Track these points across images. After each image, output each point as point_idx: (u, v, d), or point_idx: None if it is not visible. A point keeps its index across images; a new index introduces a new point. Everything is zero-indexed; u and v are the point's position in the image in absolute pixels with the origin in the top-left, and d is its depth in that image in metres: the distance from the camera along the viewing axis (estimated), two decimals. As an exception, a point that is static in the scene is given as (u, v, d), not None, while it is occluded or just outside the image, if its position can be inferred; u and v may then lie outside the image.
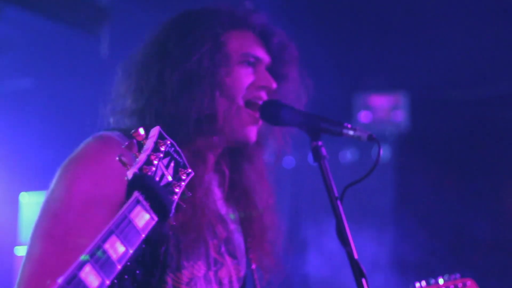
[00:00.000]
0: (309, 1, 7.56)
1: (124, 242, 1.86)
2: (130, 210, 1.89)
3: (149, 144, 1.97)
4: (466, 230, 7.73)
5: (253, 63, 3.01)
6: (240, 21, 3.04)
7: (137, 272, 2.76)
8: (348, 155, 8.56)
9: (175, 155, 2.04)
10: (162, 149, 1.99)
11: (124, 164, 1.91)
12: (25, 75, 7.96)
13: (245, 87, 2.96)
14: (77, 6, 6.76)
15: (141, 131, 1.98)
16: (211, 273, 2.92)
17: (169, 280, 2.79)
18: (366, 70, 8.34)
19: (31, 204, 7.56)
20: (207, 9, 3.04)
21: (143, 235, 1.90)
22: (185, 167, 2.05)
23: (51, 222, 2.63)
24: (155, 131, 2.00)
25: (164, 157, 1.99)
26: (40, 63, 7.63)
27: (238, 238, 3.09)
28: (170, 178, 1.99)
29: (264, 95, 3.01)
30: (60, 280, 1.72)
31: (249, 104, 2.98)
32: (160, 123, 2.80)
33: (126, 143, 1.92)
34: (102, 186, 2.66)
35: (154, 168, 1.94)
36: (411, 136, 8.39)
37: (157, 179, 1.94)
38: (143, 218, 1.91)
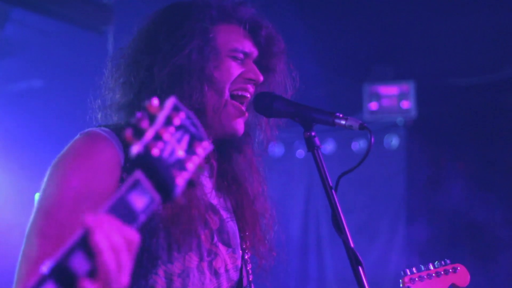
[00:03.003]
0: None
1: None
2: (128, 191, 1.80)
3: (160, 117, 1.83)
4: (475, 215, 7.73)
5: (242, 57, 3.03)
6: (229, 15, 3.05)
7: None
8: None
9: (190, 128, 1.89)
10: (176, 122, 1.86)
11: (131, 140, 1.80)
12: (35, 76, 8.02)
13: (232, 80, 2.99)
14: (83, 6, 6.79)
15: (155, 101, 1.85)
16: (204, 264, 2.93)
17: (161, 272, 2.80)
18: (374, 61, 8.35)
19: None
20: (196, 2, 3.05)
21: (143, 217, 1.82)
22: (201, 140, 1.90)
23: (44, 220, 2.65)
24: (169, 102, 1.87)
25: (177, 131, 1.86)
26: (49, 64, 7.69)
27: (232, 227, 3.11)
28: (181, 153, 1.86)
29: (250, 88, 3.04)
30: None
31: (234, 96, 3.00)
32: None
33: (139, 114, 1.83)
34: (92, 182, 2.69)
35: (162, 144, 1.82)
36: (419, 123, 8.40)
37: (166, 155, 1.82)
38: (142, 200, 1.81)
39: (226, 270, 3.03)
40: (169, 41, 2.93)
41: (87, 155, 2.75)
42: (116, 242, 1.77)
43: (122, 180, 2.73)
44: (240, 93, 3.01)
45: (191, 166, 1.88)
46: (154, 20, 3.04)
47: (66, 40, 7.39)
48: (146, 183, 1.82)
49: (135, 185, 1.81)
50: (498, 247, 7.42)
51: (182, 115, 1.88)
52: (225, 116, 2.97)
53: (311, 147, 2.94)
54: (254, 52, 3.08)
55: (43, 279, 1.70)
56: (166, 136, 1.83)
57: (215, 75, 2.95)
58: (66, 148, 2.80)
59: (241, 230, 3.16)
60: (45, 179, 2.75)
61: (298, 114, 2.98)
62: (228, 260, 3.04)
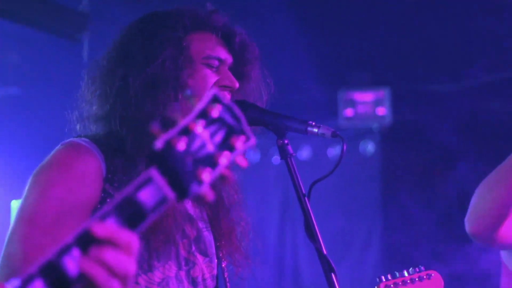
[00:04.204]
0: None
1: (124, 224, 1.71)
2: (138, 188, 1.71)
3: (194, 111, 1.75)
4: (451, 221, 7.78)
5: (216, 65, 3.04)
6: (202, 23, 3.06)
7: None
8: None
9: (229, 121, 1.78)
10: (213, 114, 1.75)
11: (157, 133, 1.72)
12: (11, 83, 7.99)
13: (208, 88, 2.99)
14: (58, 13, 6.78)
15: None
16: (182, 273, 2.95)
17: (141, 281, 2.83)
18: (349, 67, 8.40)
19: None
20: (169, 12, 3.06)
21: (153, 216, 1.72)
22: (240, 133, 1.78)
23: (27, 227, 2.66)
24: (209, 94, 1.78)
25: (211, 124, 1.75)
26: (25, 71, 7.66)
27: (208, 236, 3.12)
28: (211, 148, 1.74)
29: (227, 95, 3.05)
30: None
31: None
32: (125, 128, 2.86)
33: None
34: (75, 192, 2.71)
35: (187, 139, 1.72)
36: (395, 129, 8.46)
37: (193, 149, 1.72)
38: (153, 197, 1.71)
39: (203, 279, 3.05)
40: (143, 51, 2.94)
41: (70, 165, 2.77)
42: (109, 257, 1.70)
43: (104, 190, 2.76)
44: None
45: (224, 160, 1.76)
46: (129, 31, 3.05)
47: (42, 48, 7.37)
48: (159, 180, 1.72)
49: (146, 182, 1.72)
50: (473, 254, 7.47)
51: (219, 107, 1.78)
52: None
53: (284, 155, 2.98)
54: (229, 58, 3.09)
55: (31, 277, 1.67)
56: (197, 129, 1.74)
57: (190, 83, 2.95)
58: (48, 158, 2.82)
59: (216, 239, 3.17)
60: (27, 187, 2.75)
61: (271, 122, 3.01)
62: (205, 269, 3.06)
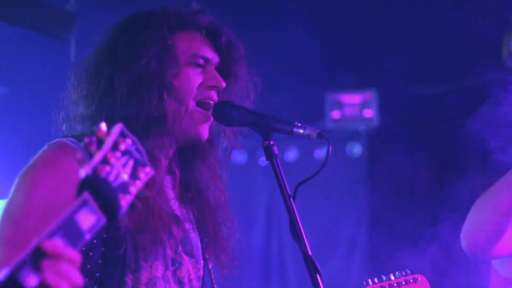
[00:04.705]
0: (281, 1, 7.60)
1: (67, 243, 1.86)
2: (76, 210, 1.89)
3: (108, 142, 1.93)
4: (439, 224, 7.79)
5: (202, 63, 3.04)
6: (187, 22, 3.06)
7: (97, 274, 2.79)
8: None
9: (135, 154, 2.00)
10: (122, 147, 1.96)
11: (80, 163, 1.90)
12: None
13: (195, 88, 2.99)
14: (44, 12, 6.75)
15: (103, 127, 1.95)
16: (169, 273, 2.95)
17: (128, 281, 2.83)
18: (336, 69, 8.40)
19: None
20: (154, 11, 3.06)
21: (88, 236, 1.90)
22: (144, 166, 2.02)
23: (11, 228, 2.67)
24: (116, 128, 1.97)
25: (122, 156, 1.96)
26: (11, 71, 7.63)
27: (195, 237, 3.12)
28: (126, 177, 1.96)
29: (214, 95, 3.04)
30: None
31: (200, 104, 3.01)
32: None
33: (87, 139, 1.91)
34: (61, 192, 2.69)
35: (109, 168, 1.92)
36: (382, 131, 8.47)
37: (112, 178, 1.93)
38: (89, 219, 1.90)
39: (189, 280, 3.05)
40: (128, 51, 2.94)
41: (55, 165, 2.77)
42: (61, 267, 1.84)
43: None
44: (205, 100, 3.02)
45: (133, 190, 1.99)
46: (114, 31, 3.05)
47: (28, 47, 7.34)
48: (93, 203, 1.91)
49: (83, 205, 1.89)
50: (460, 257, 7.48)
51: (128, 141, 1.99)
52: (188, 123, 2.98)
53: (270, 156, 2.97)
54: (215, 58, 3.09)
55: None
56: (113, 160, 1.93)
57: (175, 83, 2.95)
58: (34, 158, 2.82)
59: (202, 240, 3.17)
60: (13, 188, 2.76)
61: (257, 123, 3.00)
62: (191, 270, 3.06)
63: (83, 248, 2.53)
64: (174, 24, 3.02)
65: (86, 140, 1.92)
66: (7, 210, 2.72)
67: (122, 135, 1.98)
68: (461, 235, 3.96)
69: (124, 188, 1.96)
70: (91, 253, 2.77)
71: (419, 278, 3.59)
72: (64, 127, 3.04)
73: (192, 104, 2.98)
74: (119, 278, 2.81)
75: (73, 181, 2.69)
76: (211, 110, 3.04)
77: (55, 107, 3.08)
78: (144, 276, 2.87)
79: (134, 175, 1.99)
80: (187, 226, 3.10)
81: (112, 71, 2.93)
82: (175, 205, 3.08)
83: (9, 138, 7.68)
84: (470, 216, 3.96)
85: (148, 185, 2.75)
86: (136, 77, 2.90)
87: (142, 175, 2.01)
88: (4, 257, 2.60)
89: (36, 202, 2.69)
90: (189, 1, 3.15)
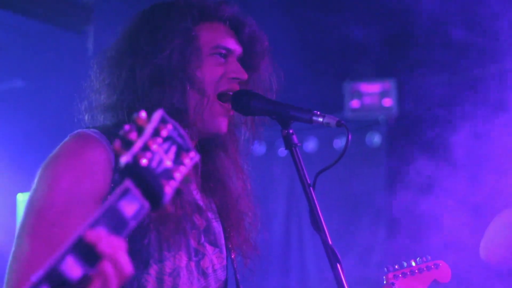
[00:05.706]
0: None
1: (111, 231, 1.85)
2: (118, 199, 1.87)
3: (148, 129, 1.90)
4: (459, 214, 7.75)
5: (225, 54, 3.03)
6: (211, 13, 3.05)
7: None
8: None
9: (178, 139, 1.96)
10: (164, 133, 1.92)
11: (119, 151, 1.86)
12: (16, 76, 8.00)
13: (216, 80, 2.98)
14: (62, 6, 6.78)
15: (143, 114, 1.91)
16: (192, 264, 2.94)
17: (152, 271, 2.83)
18: (355, 58, 8.37)
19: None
20: (177, 1, 3.04)
21: (133, 223, 1.89)
22: (188, 151, 1.97)
23: (35, 220, 2.67)
24: (157, 115, 1.93)
25: (164, 142, 1.92)
26: (29, 64, 7.67)
27: (217, 227, 3.11)
28: (169, 164, 1.93)
29: (236, 87, 3.03)
30: (39, 273, 1.75)
31: (221, 96, 3.00)
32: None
33: (127, 126, 1.87)
34: (84, 182, 2.70)
35: (150, 154, 1.88)
36: (401, 121, 8.43)
37: (154, 165, 1.89)
38: (132, 207, 1.88)
39: (214, 270, 3.05)
40: (151, 42, 2.93)
41: (78, 156, 2.76)
42: (112, 252, 1.83)
43: (114, 181, 2.74)
44: (226, 92, 3.01)
45: (178, 175, 1.94)
46: (136, 21, 3.04)
47: (46, 40, 7.37)
48: (135, 191, 1.88)
49: (125, 193, 1.87)
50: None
51: (169, 126, 1.94)
52: (208, 115, 2.97)
53: (289, 145, 2.95)
54: (238, 49, 3.08)
55: (36, 286, 1.75)
56: (154, 147, 1.90)
57: (197, 75, 2.94)
58: (57, 149, 2.81)
59: (225, 230, 3.16)
60: (36, 179, 2.75)
61: (276, 112, 2.98)
62: (215, 260, 3.05)
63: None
64: (198, 15, 3.01)
65: (126, 127, 1.88)
66: (30, 202, 2.72)
67: (163, 121, 1.94)
68: (481, 245, 3.97)
69: (167, 174, 1.92)
70: None
71: (440, 264, 3.60)
72: (86, 117, 3.05)
73: (213, 96, 2.98)
74: (143, 268, 2.81)
75: (97, 171, 2.71)
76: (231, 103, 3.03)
77: (74, 99, 3.08)
78: (168, 266, 2.86)
79: (177, 161, 1.95)
80: (210, 215, 3.09)
81: (134, 62, 2.93)
82: (197, 195, 3.07)
83: (28, 131, 7.73)
84: (490, 228, 3.97)
85: None
86: (158, 69, 2.89)
87: (186, 161, 1.97)
88: (28, 249, 2.61)
89: (59, 193, 2.68)
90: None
